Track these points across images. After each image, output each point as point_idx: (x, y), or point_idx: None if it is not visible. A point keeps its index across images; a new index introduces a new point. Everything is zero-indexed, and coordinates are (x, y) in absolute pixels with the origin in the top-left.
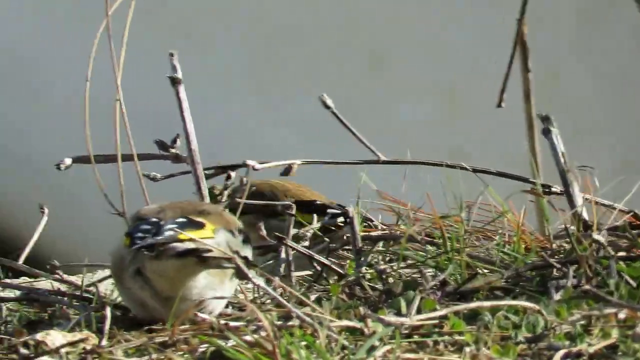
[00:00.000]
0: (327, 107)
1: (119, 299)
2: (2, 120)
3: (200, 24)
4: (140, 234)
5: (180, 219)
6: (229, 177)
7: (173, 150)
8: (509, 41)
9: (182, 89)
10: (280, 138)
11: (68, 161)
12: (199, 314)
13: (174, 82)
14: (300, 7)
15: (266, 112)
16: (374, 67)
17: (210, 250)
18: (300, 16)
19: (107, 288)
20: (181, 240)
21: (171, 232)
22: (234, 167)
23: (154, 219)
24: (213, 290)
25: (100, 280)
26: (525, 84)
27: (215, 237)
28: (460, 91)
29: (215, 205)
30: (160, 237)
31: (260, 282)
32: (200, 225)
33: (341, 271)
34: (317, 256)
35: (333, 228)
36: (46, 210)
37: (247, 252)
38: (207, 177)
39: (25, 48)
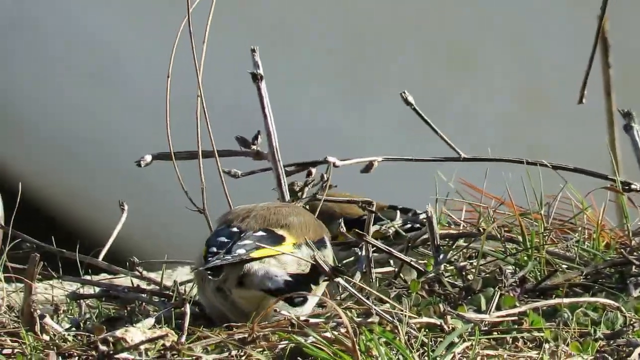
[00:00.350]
0: (409, 104)
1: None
2: (86, 116)
3: (283, 20)
4: (214, 249)
5: (261, 233)
6: (309, 174)
7: (254, 147)
8: (591, 37)
9: (263, 85)
10: (362, 135)
11: (148, 158)
12: (280, 311)
13: (256, 78)
14: (383, 4)
15: (348, 109)
16: (455, 64)
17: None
18: (383, 14)
19: (187, 284)
20: (252, 259)
21: (242, 251)
22: (315, 164)
23: (235, 229)
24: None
25: (183, 283)
26: (605, 80)
27: (296, 252)
28: (541, 88)
29: (305, 213)
30: (229, 258)
31: (340, 279)
32: (281, 239)
33: (421, 268)
34: (396, 253)
35: (416, 226)
36: (126, 207)
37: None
38: (288, 173)
39: (110, 46)
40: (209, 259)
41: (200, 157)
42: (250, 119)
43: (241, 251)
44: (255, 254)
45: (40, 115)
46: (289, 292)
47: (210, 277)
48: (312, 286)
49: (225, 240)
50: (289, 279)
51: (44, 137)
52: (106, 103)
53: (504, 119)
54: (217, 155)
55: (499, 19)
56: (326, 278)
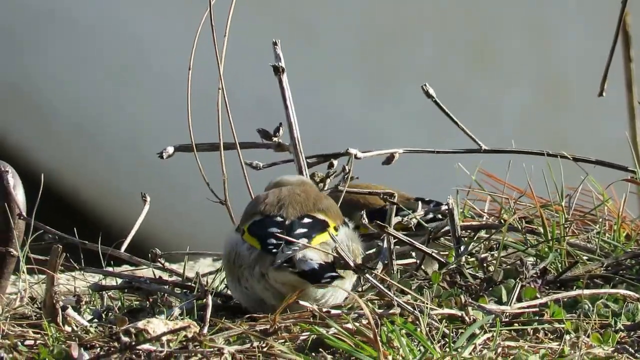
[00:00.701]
0: (430, 96)
1: (221, 287)
2: (112, 107)
3: (306, 13)
4: (273, 240)
5: (306, 220)
6: (331, 166)
7: (276, 139)
8: (612, 29)
9: (285, 77)
10: (383, 127)
11: (170, 150)
12: (302, 302)
13: (277, 71)
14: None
15: (369, 101)
16: (475, 57)
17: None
18: (404, 8)
19: (209, 276)
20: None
21: (304, 240)
22: (336, 156)
23: (279, 218)
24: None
25: (205, 275)
26: (627, 73)
27: (338, 235)
28: (560, 80)
29: (324, 195)
30: (297, 248)
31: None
32: (325, 226)
33: (442, 260)
34: (418, 244)
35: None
36: (148, 199)
37: (359, 245)
38: (310, 165)
39: (137, 39)
40: (270, 247)
41: (222, 149)
42: (273, 112)
43: (304, 240)
44: (314, 241)
45: (68, 105)
46: (322, 275)
47: (290, 268)
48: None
49: (277, 230)
50: (322, 262)
51: (70, 127)
52: (133, 95)
53: (523, 110)
54: (238, 147)
55: (519, 11)
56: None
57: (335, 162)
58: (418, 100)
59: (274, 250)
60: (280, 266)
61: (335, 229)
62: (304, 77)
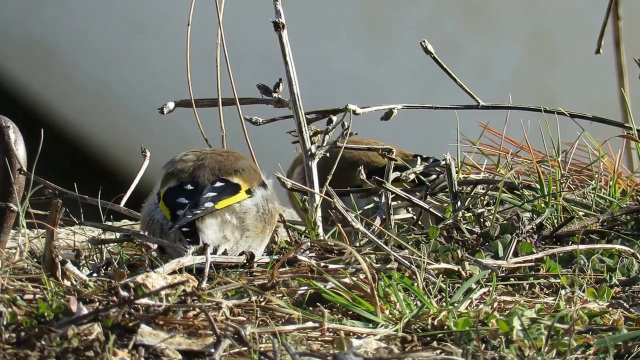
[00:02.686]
0: (428, 52)
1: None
2: (127, 61)
3: None
4: (181, 211)
5: (218, 184)
6: (330, 122)
7: (275, 95)
8: None
9: (285, 33)
10: (381, 83)
11: (171, 105)
12: (300, 257)
13: (277, 27)
14: None
15: (367, 56)
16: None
17: None
18: None
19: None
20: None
21: (210, 204)
22: (335, 112)
23: (190, 186)
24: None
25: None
26: (615, 31)
27: (252, 198)
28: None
29: (245, 157)
30: (199, 212)
31: (360, 225)
32: (237, 189)
33: (439, 214)
34: (416, 199)
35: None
36: (148, 154)
37: (277, 202)
38: (309, 121)
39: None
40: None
41: (221, 104)
42: (272, 67)
43: (208, 204)
44: (219, 205)
45: (86, 59)
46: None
47: (187, 239)
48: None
49: (185, 201)
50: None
51: (87, 79)
52: (147, 51)
53: (514, 67)
54: (238, 103)
55: None
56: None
57: (334, 118)
58: (414, 56)
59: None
60: (173, 231)
61: (249, 191)
62: (302, 32)
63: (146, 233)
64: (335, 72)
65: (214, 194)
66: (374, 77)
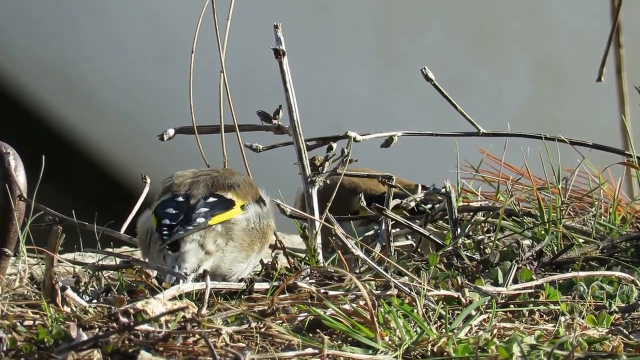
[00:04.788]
0: (429, 79)
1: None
2: (148, 88)
3: None
4: (167, 221)
5: (211, 199)
6: (330, 148)
7: (275, 122)
8: (607, 16)
9: (285, 60)
10: (387, 111)
11: (171, 132)
12: (300, 283)
13: (278, 54)
14: None
15: (378, 83)
16: (478, 41)
17: None
18: None
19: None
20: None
21: (202, 220)
22: (335, 139)
23: (181, 199)
24: (240, 263)
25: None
26: (617, 59)
27: (245, 213)
28: (563, 67)
29: (240, 173)
30: (191, 228)
31: (360, 252)
32: (230, 205)
33: (439, 241)
34: (416, 226)
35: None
36: (148, 180)
37: (272, 221)
38: (309, 148)
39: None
40: (164, 231)
41: (223, 131)
42: (273, 94)
43: (200, 220)
44: (212, 221)
45: (107, 85)
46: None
47: (169, 252)
48: None
49: (174, 212)
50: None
51: (109, 105)
52: (166, 77)
53: (523, 97)
54: (238, 130)
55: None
56: None
57: (334, 145)
58: (426, 84)
59: (164, 233)
60: (162, 249)
61: (243, 207)
62: (315, 57)
63: (142, 251)
64: (348, 100)
65: (207, 209)
66: (386, 105)
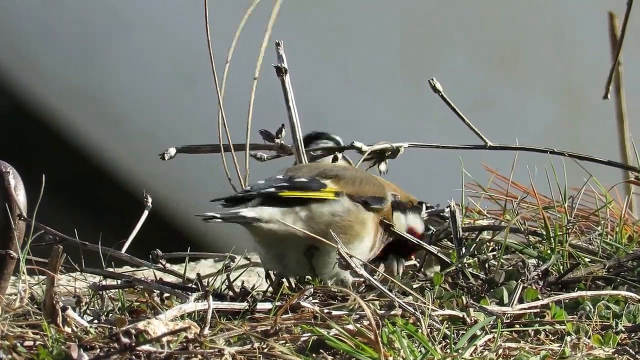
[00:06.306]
0: (437, 91)
1: (222, 287)
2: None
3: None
4: (249, 187)
5: (303, 179)
6: (335, 159)
7: (278, 141)
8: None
9: (287, 78)
10: (417, 133)
11: (172, 151)
12: (302, 303)
13: (280, 72)
14: (434, 7)
15: (398, 106)
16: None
17: None
18: (434, 16)
19: (209, 277)
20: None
21: (271, 190)
22: (341, 149)
23: (280, 176)
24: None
25: (205, 277)
26: (615, 76)
27: (338, 200)
28: (586, 89)
29: (366, 173)
30: (252, 191)
31: (364, 271)
32: (319, 186)
33: (446, 259)
34: (424, 244)
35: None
36: (149, 200)
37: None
38: (314, 158)
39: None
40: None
41: (223, 150)
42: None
43: (271, 190)
44: (283, 193)
45: (132, 107)
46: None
47: (220, 205)
48: None
49: (263, 182)
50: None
51: (134, 126)
52: (188, 98)
53: (546, 119)
54: (233, 150)
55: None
56: None
57: (339, 155)
58: (447, 107)
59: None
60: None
61: (338, 194)
62: (339, 81)
63: None
64: (372, 125)
65: (287, 184)
66: (409, 130)
